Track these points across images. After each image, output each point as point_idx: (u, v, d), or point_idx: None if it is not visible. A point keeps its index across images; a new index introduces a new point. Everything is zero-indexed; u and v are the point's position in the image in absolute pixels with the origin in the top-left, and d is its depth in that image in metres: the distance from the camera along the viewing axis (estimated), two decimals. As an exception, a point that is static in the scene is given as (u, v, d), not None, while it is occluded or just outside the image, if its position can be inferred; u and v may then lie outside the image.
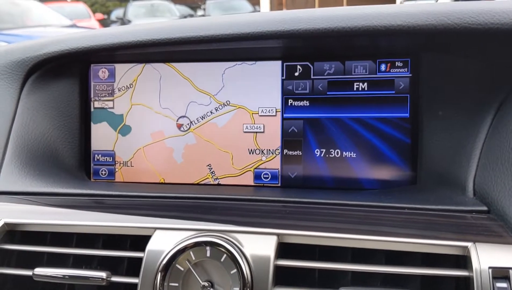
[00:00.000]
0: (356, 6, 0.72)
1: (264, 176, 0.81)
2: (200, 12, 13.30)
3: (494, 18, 0.64)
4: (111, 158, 0.86)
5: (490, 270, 0.51)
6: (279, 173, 0.81)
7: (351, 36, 0.69)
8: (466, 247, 0.53)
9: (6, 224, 0.64)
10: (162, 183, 0.84)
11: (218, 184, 0.82)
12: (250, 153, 0.81)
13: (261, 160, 0.81)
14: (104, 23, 11.62)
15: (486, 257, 0.52)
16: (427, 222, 0.62)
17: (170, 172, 0.84)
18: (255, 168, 0.81)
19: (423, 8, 0.68)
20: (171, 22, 0.79)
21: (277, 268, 0.56)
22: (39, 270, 0.60)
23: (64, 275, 0.60)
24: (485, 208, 0.63)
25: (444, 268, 0.54)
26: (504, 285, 0.50)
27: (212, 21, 0.75)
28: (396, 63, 0.77)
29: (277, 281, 0.56)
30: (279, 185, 0.81)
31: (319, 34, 0.69)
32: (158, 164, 0.84)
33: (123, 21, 11.07)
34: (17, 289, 0.63)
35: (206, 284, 0.57)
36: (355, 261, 0.57)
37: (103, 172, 0.86)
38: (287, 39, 0.73)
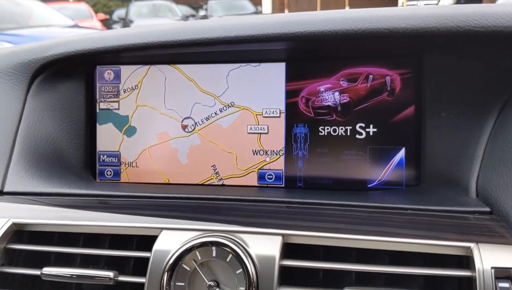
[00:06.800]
0: (359, 9, 0.73)
1: (268, 176, 0.82)
2: (202, 12, 13.30)
3: (497, 21, 0.64)
4: (116, 158, 0.87)
5: (493, 270, 0.51)
6: (283, 174, 0.81)
7: (355, 39, 0.70)
8: (469, 248, 0.54)
9: (14, 224, 0.65)
10: (167, 184, 0.85)
11: (223, 185, 0.83)
12: (254, 154, 0.82)
13: (265, 161, 0.82)
14: (106, 23, 11.63)
15: (488, 258, 0.52)
16: (430, 223, 0.63)
17: (175, 173, 0.85)
18: (259, 169, 0.82)
19: (426, 10, 0.68)
20: (176, 24, 0.79)
21: (282, 268, 0.57)
22: (47, 270, 0.61)
23: (71, 275, 0.61)
24: (487, 209, 0.64)
25: (447, 268, 0.54)
26: (506, 285, 0.51)
27: (217, 23, 0.76)
28: (399, 64, 0.78)
29: (282, 281, 0.57)
30: (283, 186, 0.81)
31: (323, 36, 0.70)
32: (163, 165, 0.85)
33: (125, 21, 11.08)
34: (25, 288, 0.64)
35: (212, 283, 0.57)
36: (359, 261, 0.58)
37: (109, 173, 0.87)
38: (291, 41, 0.73)
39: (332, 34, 0.70)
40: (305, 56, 0.81)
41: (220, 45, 0.75)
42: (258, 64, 0.82)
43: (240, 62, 0.82)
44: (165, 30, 0.77)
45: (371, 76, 0.78)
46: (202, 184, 0.84)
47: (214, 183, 0.83)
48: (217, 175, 0.83)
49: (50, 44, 0.83)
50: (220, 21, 0.77)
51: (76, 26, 6.22)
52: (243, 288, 0.56)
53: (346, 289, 0.54)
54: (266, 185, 0.82)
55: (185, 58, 0.84)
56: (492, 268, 0.52)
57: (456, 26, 0.66)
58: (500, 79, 0.71)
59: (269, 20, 0.73)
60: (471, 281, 0.53)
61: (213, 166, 0.83)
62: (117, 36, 0.79)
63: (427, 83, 0.76)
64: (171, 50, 0.78)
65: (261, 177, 0.82)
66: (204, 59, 0.83)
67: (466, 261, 0.55)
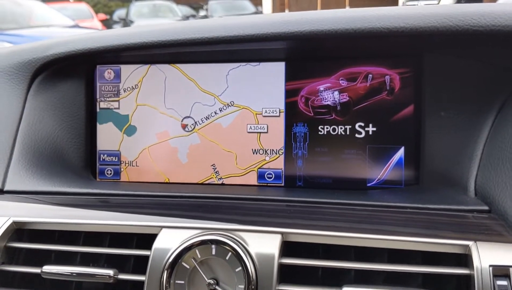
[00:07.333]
0: (359, 8, 0.73)
1: (268, 176, 0.82)
2: (202, 13, 13.30)
3: (495, 20, 0.65)
4: (116, 158, 0.87)
5: (491, 268, 0.52)
6: (283, 173, 0.82)
7: (355, 38, 0.70)
8: (467, 246, 0.54)
9: (14, 222, 0.65)
10: (166, 183, 0.85)
11: (222, 184, 0.83)
12: (254, 153, 0.82)
13: (264, 160, 0.82)
14: (107, 23, 11.63)
15: (487, 256, 0.53)
16: (429, 221, 0.63)
17: (175, 172, 0.85)
18: (259, 168, 0.82)
19: (426, 10, 0.68)
20: (177, 24, 0.80)
21: (282, 266, 0.57)
22: (47, 268, 0.61)
23: (72, 273, 0.61)
24: (486, 207, 0.64)
25: (446, 266, 0.55)
26: (504, 283, 0.51)
27: (217, 22, 0.76)
28: (399, 64, 0.78)
29: (281, 279, 0.57)
30: (283, 185, 0.82)
31: (323, 35, 0.70)
32: (163, 164, 0.85)
33: (126, 21, 11.08)
34: (26, 287, 0.64)
35: (211, 281, 0.58)
36: (358, 259, 0.58)
37: (109, 172, 0.87)
38: (291, 41, 0.73)
39: (332, 33, 0.70)
40: (304, 56, 0.82)
41: (220, 44, 0.75)
42: (257, 63, 0.82)
43: (240, 62, 0.83)
44: (165, 29, 0.77)
45: (370, 75, 0.79)
46: (201, 183, 0.84)
47: (214, 182, 0.84)
48: (216, 174, 0.83)
49: (50, 43, 0.83)
50: (220, 21, 0.77)
51: (76, 26, 6.23)
52: (243, 286, 0.56)
53: (345, 287, 0.55)
54: (265, 184, 0.82)
55: (185, 58, 0.84)
56: (490, 266, 0.52)
57: (455, 26, 0.66)
58: (499, 78, 0.72)
59: (269, 19, 0.74)
60: (469, 279, 0.53)
61: (212, 165, 0.83)
62: (117, 36, 0.80)
63: (426, 83, 0.76)
64: (171, 49, 0.78)
65: (260, 176, 0.82)
66: (204, 59, 0.84)
67: (464, 259, 0.55)
